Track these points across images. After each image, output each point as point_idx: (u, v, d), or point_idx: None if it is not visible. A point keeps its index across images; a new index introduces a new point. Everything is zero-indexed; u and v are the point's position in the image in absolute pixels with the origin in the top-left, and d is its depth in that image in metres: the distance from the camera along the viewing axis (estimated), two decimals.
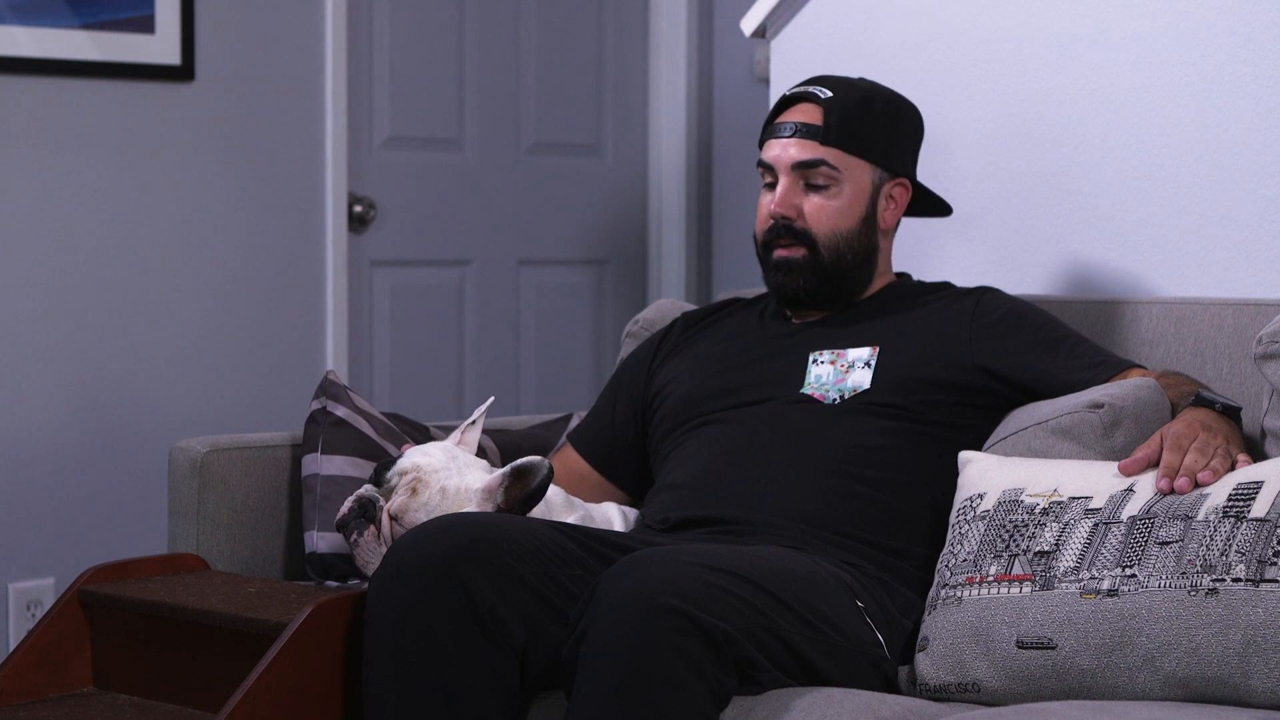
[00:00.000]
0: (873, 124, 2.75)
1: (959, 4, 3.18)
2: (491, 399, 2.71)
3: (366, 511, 2.45)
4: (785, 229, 2.72)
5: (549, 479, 2.45)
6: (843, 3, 3.32)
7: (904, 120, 2.80)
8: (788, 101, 2.77)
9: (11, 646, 3.57)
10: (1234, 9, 2.84)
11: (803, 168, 2.71)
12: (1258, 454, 2.47)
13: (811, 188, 2.72)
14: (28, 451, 3.58)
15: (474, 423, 2.60)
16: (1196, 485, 2.21)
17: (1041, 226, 3.07)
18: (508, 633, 2.22)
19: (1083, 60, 3.02)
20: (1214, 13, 2.87)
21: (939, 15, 3.20)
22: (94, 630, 2.54)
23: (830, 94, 2.73)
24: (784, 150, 2.72)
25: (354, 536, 2.45)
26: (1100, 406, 2.48)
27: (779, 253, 2.73)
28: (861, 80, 2.80)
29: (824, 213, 2.72)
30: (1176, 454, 2.26)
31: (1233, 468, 2.25)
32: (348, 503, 2.47)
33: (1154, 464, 2.28)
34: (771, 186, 2.75)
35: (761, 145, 2.78)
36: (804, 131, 2.71)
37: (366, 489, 2.48)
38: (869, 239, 2.75)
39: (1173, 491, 2.21)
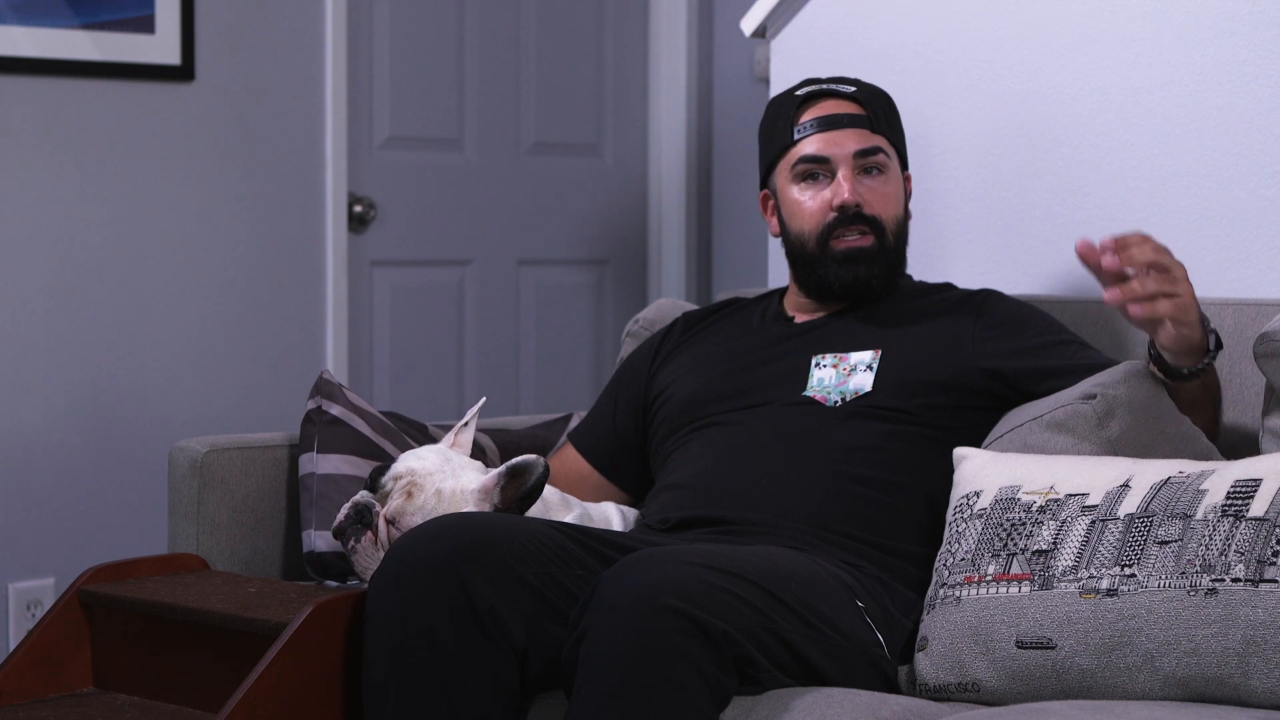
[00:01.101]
0: (893, 115, 2.80)
1: (959, 4, 3.18)
2: (484, 400, 2.71)
3: (363, 517, 2.45)
4: (855, 217, 2.71)
5: (545, 477, 2.45)
6: (843, 3, 3.32)
7: (899, 114, 2.82)
8: (805, 100, 2.76)
9: (11, 646, 3.57)
10: (1234, 9, 2.84)
11: (862, 155, 2.72)
12: (1257, 453, 2.46)
13: (867, 175, 2.73)
14: (28, 451, 3.58)
15: (467, 424, 2.59)
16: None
17: (1041, 226, 3.07)
18: (508, 633, 2.22)
19: (1083, 60, 3.02)
20: (1214, 13, 2.87)
21: (939, 15, 3.20)
22: (94, 630, 2.54)
23: (854, 88, 2.75)
24: (839, 141, 2.72)
25: (351, 543, 2.44)
26: (1093, 397, 2.48)
27: (846, 243, 2.72)
28: (855, 78, 2.83)
29: (885, 198, 2.73)
30: (1163, 255, 2.35)
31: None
32: (344, 509, 2.47)
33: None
34: (815, 179, 2.74)
35: (789, 146, 2.76)
36: (852, 121, 2.72)
37: (362, 495, 2.48)
38: (907, 227, 2.80)
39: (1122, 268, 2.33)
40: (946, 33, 3.19)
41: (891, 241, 2.74)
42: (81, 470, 3.65)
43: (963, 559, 2.30)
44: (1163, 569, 2.13)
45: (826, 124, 2.73)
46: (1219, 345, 2.45)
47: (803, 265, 2.77)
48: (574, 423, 3.04)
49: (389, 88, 4.16)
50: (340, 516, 2.47)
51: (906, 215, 2.79)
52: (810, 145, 2.73)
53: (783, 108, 2.79)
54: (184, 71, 3.72)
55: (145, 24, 3.65)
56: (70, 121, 3.61)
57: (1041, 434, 2.49)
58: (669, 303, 3.16)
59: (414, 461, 2.48)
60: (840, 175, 2.72)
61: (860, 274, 2.72)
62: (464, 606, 2.20)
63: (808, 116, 2.75)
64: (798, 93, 2.79)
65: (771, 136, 2.80)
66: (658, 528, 2.58)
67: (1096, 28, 3.00)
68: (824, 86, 2.78)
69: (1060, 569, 2.20)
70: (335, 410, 2.76)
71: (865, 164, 2.73)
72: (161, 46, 3.69)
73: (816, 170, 2.74)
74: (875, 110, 2.74)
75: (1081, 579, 2.18)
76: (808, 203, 2.74)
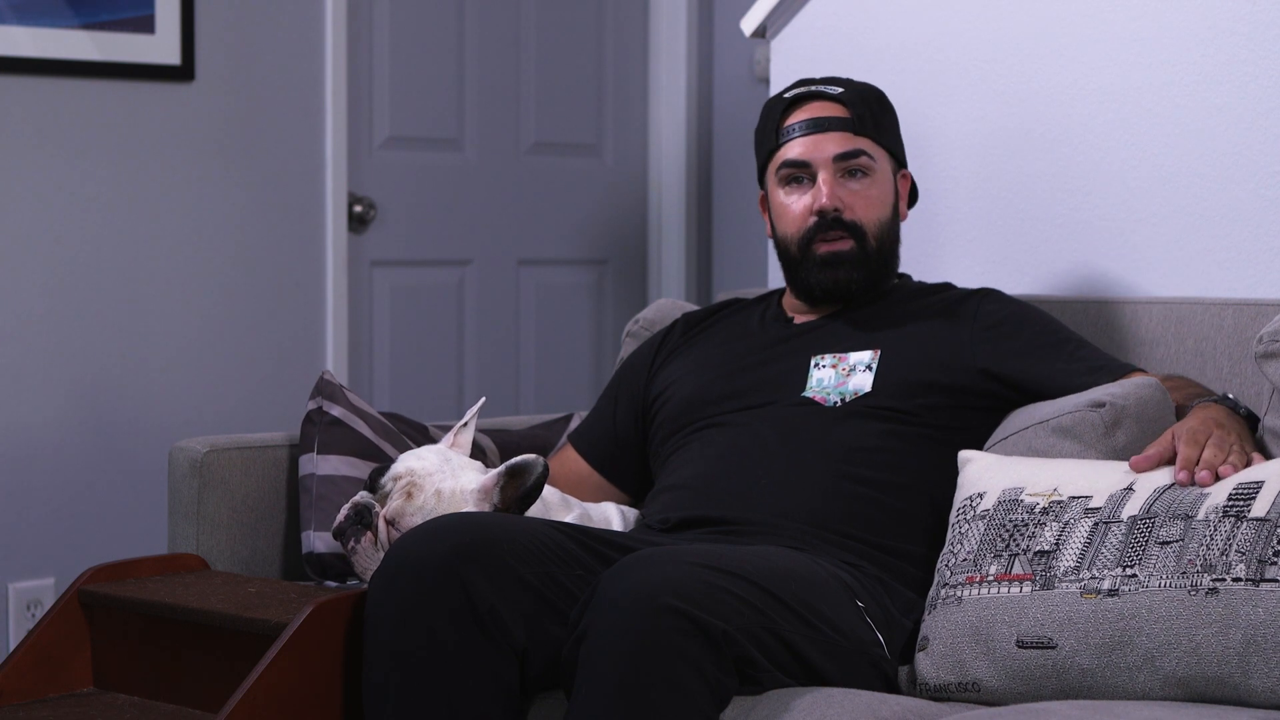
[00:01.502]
0: (884, 115, 2.78)
1: (959, 4, 3.18)
2: (483, 400, 2.71)
3: (362, 518, 2.44)
4: (834, 222, 2.71)
5: (544, 477, 2.45)
6: (843, 3, 3.32)
7: (895, 113, 2.81)
8: (792, 103, 2.77)
9: (11, 646, 3.57)
10: (1234, 9, 2.85)
11: (843, 159, 2.71)
12: (1262, 452, 2.47)
13: (850, 179, 2.72)
14: (28, 451, 3.58)
15: (466, 424, 2.59)
16: (1217, 478, 2.20)
17: (1041, 226, 3.07)
18: (508, 633, 2.22)
19: (1083, 60, 3.02)
20: (1214, 12, 2.87)
21: (939, 15, 3.20)
22: (94, 630, 2.54)
23: (841, 90, 2.74)
24: (820, 145, 2.72)
25: (351, 544, 2.44)
26: (1102, 405, 2.48)
27: (825, 247, 2.72)
28: (847, 78, 2.82)
29: (868, 202, 2.72)
30: (1194, 448, 2.26)
31: (1249, 466, 2.25)
32: (344, 510, 2.47)
33: (1166, 461, 2.28)
34: (799, 183, 2.74)
35: (775, 149, 2.76)
36: (835, 125, 2.72)
37: (362, 495, 2.47)
38: (897, 229, 2.78)
39: (1193, 483, 2.20)
40: (946, 33, 3.20)
41: (874, 245, 2.73)
42: (81, 470, 3.65)
43: (965, 559, 2.30)
44: (1163, 569, 2.13)
45: (809, 128, 2.73)
46: (1257, 419, 2.45)
47: (789, 268, 2.78)
48: (574, 423, 3.04)
49: (389, 88, 4.16)
50: (340, 517, 2.47)
51: (896, 217, 2.78)
52: (793, 149, 2.74)
53: (772, 111, 2.79)
54: (184, 71, 3.72)
55: (145, 24, 3.65)
56: (70, 121, 3.61)
57: (1047, 438, 2.50)
58: (669, 303, 3.16)
59: (413, 462, 2.48)
60: (820, 179, 2.71)
61: (839, 278, 2.72)
62: (464, 606, 2.20)
63: (793, 120, 2.75)
64: (786, 95, 2.79)
65: (762, 139, 2.81)
66: (658, 528, 2.58)
67: (1096, 28, 3.01)
68: (812, 89, 2.77)
69: (1062, 569, 2.20)
70: (336, 411, 2.76)
71: (847, 167, 2.72)
72: (161, 46, 3.69)
73: (800, 174, 2.74)
74: (860, 112, 2.74)
75: (1083, 579, 2.18)
76: (792, 206, 2.74)
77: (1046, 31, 3.07)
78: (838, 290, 2.73)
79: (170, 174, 3.74)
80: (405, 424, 2.88)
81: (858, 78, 2.85)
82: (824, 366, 2.69)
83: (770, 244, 2.88)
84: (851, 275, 2.72)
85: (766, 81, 4.03)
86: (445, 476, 2.46)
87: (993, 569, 2.26)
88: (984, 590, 2.25)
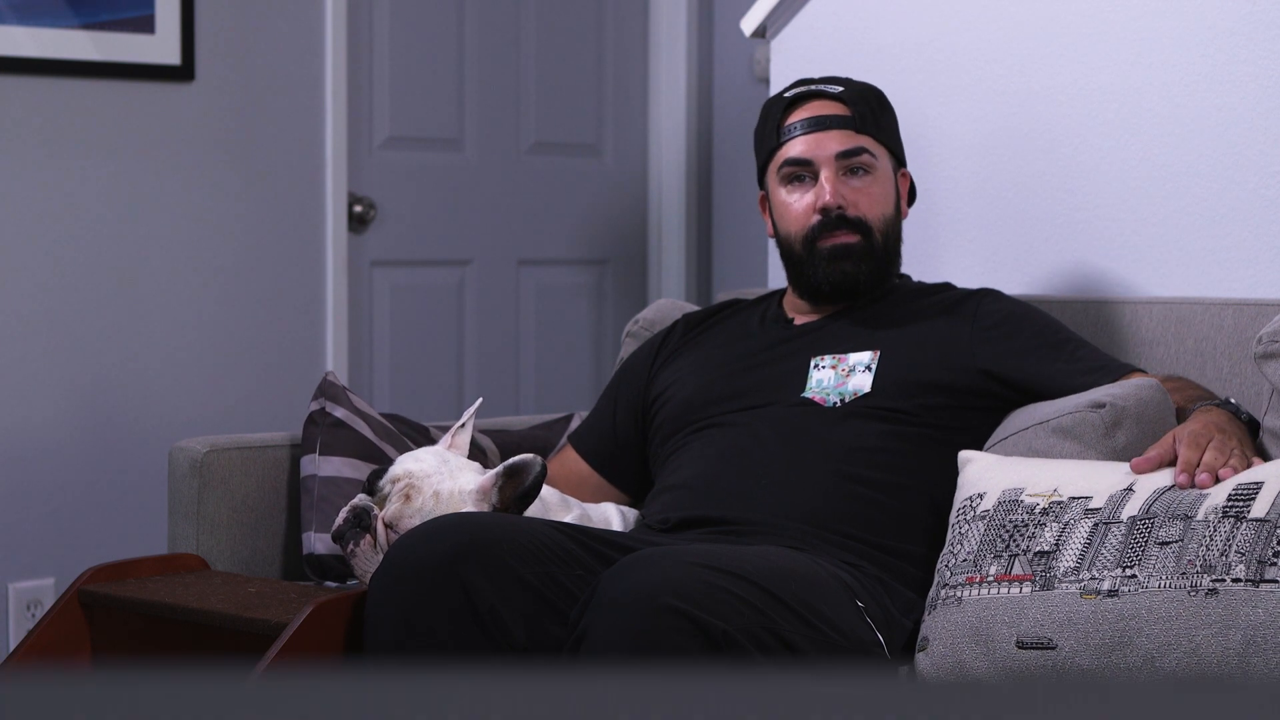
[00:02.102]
0: (884, 113, 2.78)
1: (959, 4, 3.18)
2: (480, 400, 2.70)
3: (361, 521, 2.44)
4: (839, 219, 2.71)
5: (542, 476, 2.45)
6: (843, 3, 3.32)
7: (894, 112, 2.82)
8: (792, 102, 2.77)
9: (11, 646, 3.57)
10: (1234, 9, 2.85)
11: (845, 156, 2.71)
12: (1262, 457, 2.47)
13: (852, 176, 2.72)
14: (28, 451, 3.58)
15: (464, 425, 2.59)
16: (1217, 481, 2.20)
17: (1041, 227, 3.07)
18: (508, 633, 2.22)
19: (1082, 60, 3.02)
20: (1214, 13, 2.87)
21: (939, 15, 3.20)
22: (94, 630, 2.54)
23: (841, 88, 2.75)
24: (821, 143, 2.72)
25: (350, 546, 2.44)
26: (1102, 406, 2.48)
27: (832, 241, 2.71)
28: (846, 77, 2.83)
29: (871, 199, 2.72)
30: (1195, 451, 2.26)
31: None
32: (342, 513, 2.47)
33: (1167, 463, 2.27)
34: (801, 182, 2.74)
35: (776, 148, 2.76)
36: (836, 123, 2.72)
37: (361, 498, 2.47)
38: (900, 226, 2.79)
39: (1193, 486, 2.20)
40: (946, 33, 3.19)
41: (880, 241, 2.73)
42: (81, 470, 3.65)
43: (965, 559, 2.30)
44: (1163, 569, 2.13)
45: (811, 126, 2.73)
46: (1257, 425, 2.45)
47: (793, 267, 2.77)
48: (574, 423, 3.04)
49: (389, 88, 4.16)
50: (339, 520, 2.46)
51: (899, 214, 2.79)
52: (795, 148, 2.74)
53: (772, 110, 2.80)
54: (184, 71, 3.72)
55: (145, 24, 3.65)
56: (70, 121, 3.61)
57: (1047, 439, 2.50)
58: (669, 303, 3.15)
59: (411, 464, 2.48)
60: (823, 177, 2.71)
61: (848, 270, 2.72)
62: (464, 606, 2.20)
63: (793, 118, 2.75)
64: (786, 94, 2.79)
65: (762, 139, 2.81)
66: (658, 528, 2.58)
67: (1096, 28, 3.00)
68: (812, 88, 2.78)
69: (1062, 570, 2.20)
70: (339, 413, 2.76)
71: (849, 165, 2.72)
72: (161, 46, 3.69)
73: (802, 173, 2.74)
74: (861, 110, 2.74)
75: (1083, 580, 2.18)
76: (794, 205, 2.74)
77: (1046, 31, 3.06)
78: (846, 284, 2.72)
79: (170, 174, 3.74)
80: (407, 425, 2.88)
81: (857, 78, 2.85)
82: (824, 367, 2.69)
83: (770, 244, 2.88)
84: (860, 268, 2.72)
85: (766, 81, 4.02)
86: (443, 478, 2.46)
87: (993, 569, 2.26)
88: (984, 591, 2.25)
